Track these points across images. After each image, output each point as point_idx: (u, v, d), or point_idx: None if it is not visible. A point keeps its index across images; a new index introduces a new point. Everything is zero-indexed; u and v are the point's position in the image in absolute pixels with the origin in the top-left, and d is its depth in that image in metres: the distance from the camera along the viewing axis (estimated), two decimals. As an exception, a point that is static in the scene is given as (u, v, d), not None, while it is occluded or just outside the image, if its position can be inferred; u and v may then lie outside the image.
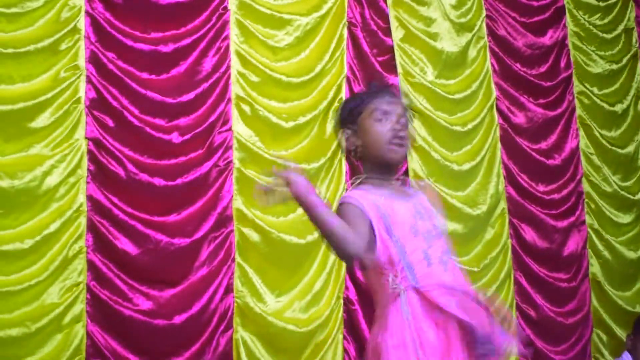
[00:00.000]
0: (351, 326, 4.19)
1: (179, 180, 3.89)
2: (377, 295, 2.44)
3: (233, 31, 4.11)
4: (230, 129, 4.04)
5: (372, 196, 2.43)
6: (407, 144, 2.55)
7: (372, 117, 2.53)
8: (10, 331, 3.47)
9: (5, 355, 3.45)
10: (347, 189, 2.59)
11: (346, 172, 4.28)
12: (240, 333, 3.93)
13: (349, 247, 2.25)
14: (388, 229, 2.40)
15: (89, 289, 3.66)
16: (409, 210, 2.45)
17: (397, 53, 4.58)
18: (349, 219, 2.36)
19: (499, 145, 4.89)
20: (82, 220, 3.68)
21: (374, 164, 2.56)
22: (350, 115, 2.59)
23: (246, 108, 4.10)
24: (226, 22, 4.09)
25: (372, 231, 2.37)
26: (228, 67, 4.07)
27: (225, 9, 4.10)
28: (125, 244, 3.75)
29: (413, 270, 2.38)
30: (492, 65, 4.97)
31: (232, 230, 3.97)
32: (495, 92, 4.94)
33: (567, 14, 5.34)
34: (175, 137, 3.92)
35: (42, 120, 3.66)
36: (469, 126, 4.78)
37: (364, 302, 4.14)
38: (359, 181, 2.55)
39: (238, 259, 3.96)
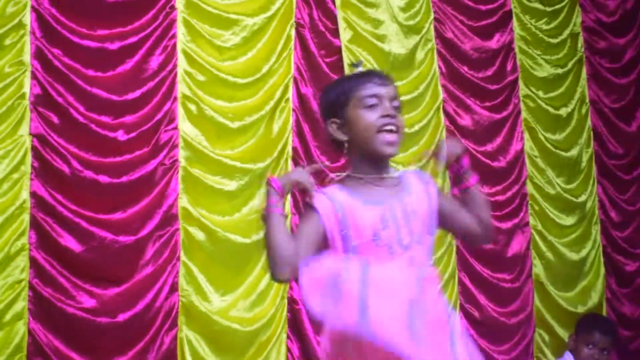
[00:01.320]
0: (295, 326, 4.21)
1: (124, 178, 3.89)
2: None
3: (180, 30, 4.10)
4: (176, 128, 4.04)
5: (339, 197, 2.28)
6: (402, 132, 2.31)
7: (360, 104, 2.29)
8: None
9: None
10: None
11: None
12: (185, 332, 3.94)
13: (272, 271, 2.19)
14: (344, 236, 2.25)
15: (31, 287, 3.64)
16: (375, 217, 2.25)
17: (345, 54, 4.61)
18: (300, 226, 2.30)
19: (445, 147, 4.93)
20: (25, 217, 3.67)
21: (362, 160, 2.34)
22: (333, 106, 2.36)
23: (192, 107, 4.10)
24: (173, 21, 4.09)
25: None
26: (174, 66, 4.07)
27: (173, 7, 4.09)
28: (69, 241, 3.74)
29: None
30: (440, 67, 5.03)
31: (177, 229, 3.97)
32: (442, 95, 4.99)
33: (514, 18, 5.41)
34: (121, 135, 3.91)
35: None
36: (416, 127, 4.82)
37: (308, 302, 4.16)
38: (339, 178, 2.36)
39: (183, 257, 3.96)
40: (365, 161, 2.32)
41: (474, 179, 2.40)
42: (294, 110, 4.35)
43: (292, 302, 4.21)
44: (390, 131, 2.26)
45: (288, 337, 4.19)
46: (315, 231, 2.25)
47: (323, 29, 4.59)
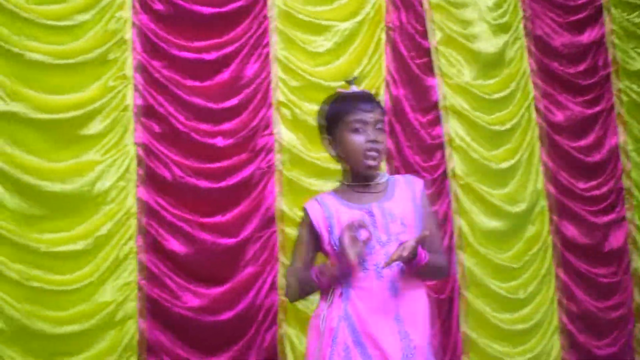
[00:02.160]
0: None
1: (223, 183, 4.04)
2: None
3: (273, 38, 4.25)
4: (272, 133, 4.18)
5: (328, 202, 2.79)
6: (383, 153, 2.75)
7: (348, 127, 2.70)
8: (67, 328, 3.65)
9: (62, 350, 3.64)
10: None
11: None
12: (285, 329, 4.07)
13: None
14: (332, 233, 2.71)
15: (139, 288, 3.83)
16: (353, 217, 2.62)
17: (435, 56, 4.69)
18: (299, 234, 2.90)
19: (538, 143, 4.97)
20: (133, 222, 3.85)
21: (350, 172, 2.79)
22: (327, 124, 2.78)
23: (287, 112, 4.24)
24: (267, 30, 4.24)
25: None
26: (269, 73, 4.21)
27: (266, 17, 4.24)
28: (173, 245, 3.92)
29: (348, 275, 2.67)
30: (530, 64, 5.05)
31: (275, 231, 4.11)
32: (533, 92, 5.02)
33: (606, 12, 5.39)
34: (220, 141, 4.07)
35: (93, 127, 3.83)
36: (508, 125, 4.86)
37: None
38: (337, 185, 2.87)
39: (281, 258, 4.10)
40: (353, 172, 2.79)
41: (425, 257, 2.66)
42: (386, 112, 4.44)
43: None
44: (373, 156, 2.70)
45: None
46: (310, 236, 2.81)
47: (412, 32, 4.67)
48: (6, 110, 3.65)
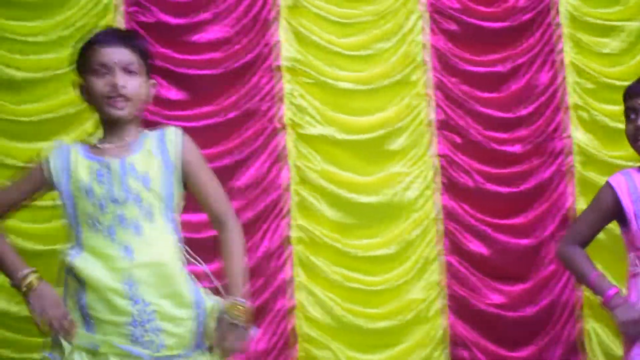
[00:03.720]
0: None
1: (522, 187, 4.29)
2: None
3: (564, 44, 4.40)
4: (569, 136, 4.35)
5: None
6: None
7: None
8: (381, 323, 4.11)
9: (378, 343, 4.10)
10: None
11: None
12: (591, 324, 4.22)
13: None
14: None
15: (448, 287, 4.19)
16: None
17: None
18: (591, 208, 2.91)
19: None
20: (438, 227, 4.22)
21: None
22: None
23: (584, 115, 4.38)
24: (559, 37, 4.40)
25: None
26: (563, 78, 4.38)
27: (558, 24, 4.40)
28: (477, 246, 4.23)
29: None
30: None
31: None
32: None
33: None
34: (517, 148, 4.32)
35: (399, 143, 4.24)
36: None
37: None
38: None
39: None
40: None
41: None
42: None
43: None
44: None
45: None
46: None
47: None
48: (321, 133, 4.18)
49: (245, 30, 4.14)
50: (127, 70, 2.38)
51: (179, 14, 4.09)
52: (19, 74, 3.89)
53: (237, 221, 2.54)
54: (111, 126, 2.44)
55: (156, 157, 2.42)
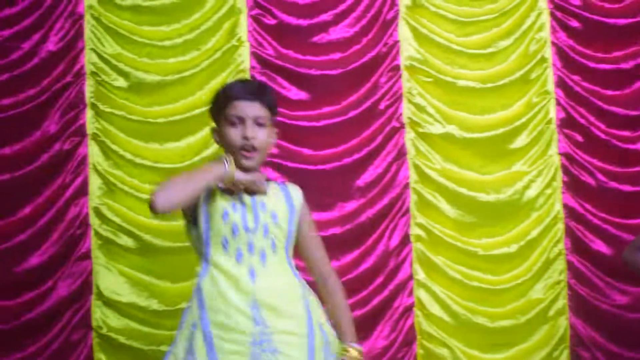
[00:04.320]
0: None
1: (646, 185, 4.22)
2: None
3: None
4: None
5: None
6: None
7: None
8: (503, 322, 4.10)
9: (498, 342, 4.11)
10: None
11: None
12: None
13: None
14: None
15: (569, 286, 4.16)
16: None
17: None
18: None
19: None
20: (560, 226, 4.18)
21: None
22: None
23: None
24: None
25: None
26: (687, 73, 4.27)
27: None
28: (599, 246, 4.18)
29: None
30: None
31: (702, 229, 4.14)
32: None
33: None
34: None
35: (520, 141, 4.22)
36: None
37: None
38: None
39: None
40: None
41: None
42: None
43: None
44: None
45: None
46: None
47: None
48: (443, 132, 4.19)
49: (365, 30, 4.19)
50: (258, 123, 2.64)
51: (301, 15, 4.17)
52: (148, 77, 4.02)
53: (338, 276, 2.85)
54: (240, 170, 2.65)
55: (282, 201, 2.72)
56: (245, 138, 2.61)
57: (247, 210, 2.61)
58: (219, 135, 2.69)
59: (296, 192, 2.78)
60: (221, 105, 2.67)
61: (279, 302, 2.57)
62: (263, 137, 2.65)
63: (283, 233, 2.66)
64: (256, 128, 2.63)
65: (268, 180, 2.74)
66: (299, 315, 2.60)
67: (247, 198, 2.63)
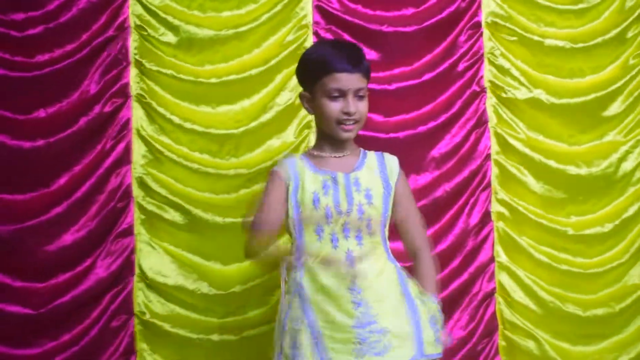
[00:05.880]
0: None
1: None
2: None
3: None
4: None
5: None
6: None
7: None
8: (596, 311, 3.76)
9: (591, 333, 3.76)
10: None
11: None
12: None
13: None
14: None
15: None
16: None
17: None
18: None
19: None
20: (659, 203, 3.83)
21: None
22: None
23: None
24: None
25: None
26: None
27: None
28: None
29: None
30: None
31: None
32: None
33: None
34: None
35: (614, 108, 3.86)
36: None
37: None
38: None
39: None
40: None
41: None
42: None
43: None
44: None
45: None
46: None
47: None
48: (529, 97, 3.81)
49: (443, -18, 3.82)
50: (358, 95, 2.64)
51: (371, -36, 3.78)
52: (200, 32, 3.63)
53: (432, 252, 2.85)
54: (333, 141, 2.70)
55: (377, 177, 2.70)
56: (348, 113, 2.61)
57: (339, 190, 2.61)
58: (312, 106, 2.68)
59: (392, 165, 2.76)
60: (318, 75, 2.63)
61: (379, 284, 2.59)
62: (364, 109, 2.67)
63: (379, 213, 2.65)
64: (357, 101, 2.63)
65: (361, 149, 2.76)
66: (401, 296, 2.62)
67: (340, 176, 2.64)
